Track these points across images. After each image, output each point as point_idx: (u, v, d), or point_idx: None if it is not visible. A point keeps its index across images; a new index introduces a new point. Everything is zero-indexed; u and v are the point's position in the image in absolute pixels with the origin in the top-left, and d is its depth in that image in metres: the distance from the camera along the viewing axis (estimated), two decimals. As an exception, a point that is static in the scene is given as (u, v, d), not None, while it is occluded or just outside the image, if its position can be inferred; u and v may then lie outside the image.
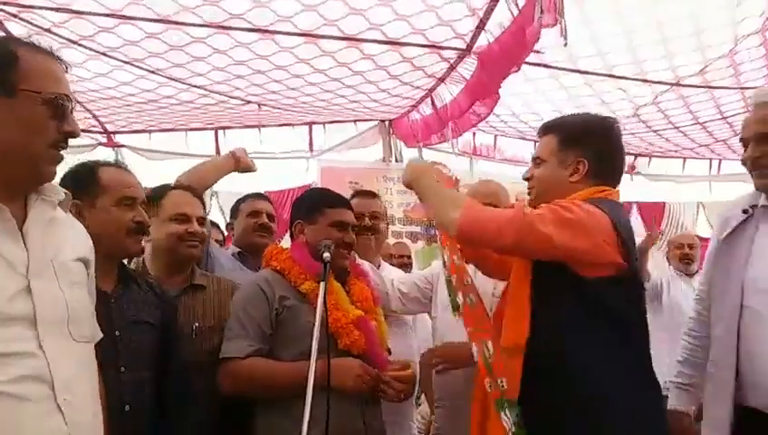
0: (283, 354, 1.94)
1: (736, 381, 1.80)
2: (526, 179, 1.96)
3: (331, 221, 2.11)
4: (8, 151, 1.22)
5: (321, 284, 1.77)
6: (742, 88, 4.02)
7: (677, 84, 4.10)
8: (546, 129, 1.95)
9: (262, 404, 1.97)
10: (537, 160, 1.93)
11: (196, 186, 2.45)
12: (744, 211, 1.92)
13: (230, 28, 3.32)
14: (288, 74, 3.91)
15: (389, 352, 2.16)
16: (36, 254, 1.23)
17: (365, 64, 3.80)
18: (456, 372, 2.35)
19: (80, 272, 1.35)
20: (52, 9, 3.12)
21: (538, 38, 2.91)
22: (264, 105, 4.55)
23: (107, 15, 3.18)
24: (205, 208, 2.36)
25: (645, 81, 4.12)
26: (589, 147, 1.85)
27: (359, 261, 2.44)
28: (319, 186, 4.85)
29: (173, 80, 3.99)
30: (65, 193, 1.36)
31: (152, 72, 3.87)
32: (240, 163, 2.93)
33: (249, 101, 4.44)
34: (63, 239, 1.33)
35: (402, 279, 2.74)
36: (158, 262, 2.19)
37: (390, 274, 2.88)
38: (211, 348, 2.02)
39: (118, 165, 1.93)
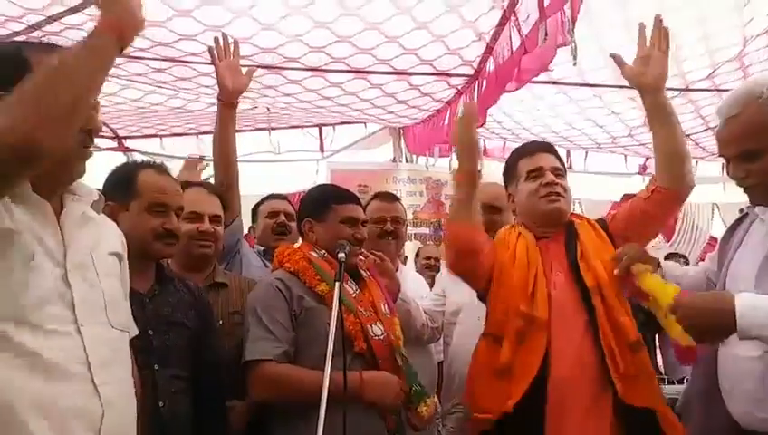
0: (303, 357, 1.88)
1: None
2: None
3: (341, 217, 2.05)
4: None
5: (336, 284, 1.72)
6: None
7: (686, 90, 4.06)
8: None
9: (281, 416, 1.90)
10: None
11: (224, 155, 2.36)
12: (741, 210, 1.87)
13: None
14: (301, 88, 3.84)
15: (406, 360, 2.01)
16: (73, 245, 1.29)
17: (372, 93, 3.80)
18: None
19: (114, 265, 1.41)
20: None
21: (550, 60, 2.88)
22: (274, 108, 4.52)
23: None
24: (224, 205, 2.28)
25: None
26: None
27: (404, 297, 2.38)
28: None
29: (183, 90, 3.94)
30: (99, 195, 1.42)
31: (159, 86, 3.83)
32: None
33: (258, 105, 4.42)
34: (97, 235, 1.39)
35: (429, 312, 2.68)
36: (175, 261, 2.17)
37: (408, 275, 2.88)
38: (234, 346, 2.00)
39: (159, 168, 1.89)
